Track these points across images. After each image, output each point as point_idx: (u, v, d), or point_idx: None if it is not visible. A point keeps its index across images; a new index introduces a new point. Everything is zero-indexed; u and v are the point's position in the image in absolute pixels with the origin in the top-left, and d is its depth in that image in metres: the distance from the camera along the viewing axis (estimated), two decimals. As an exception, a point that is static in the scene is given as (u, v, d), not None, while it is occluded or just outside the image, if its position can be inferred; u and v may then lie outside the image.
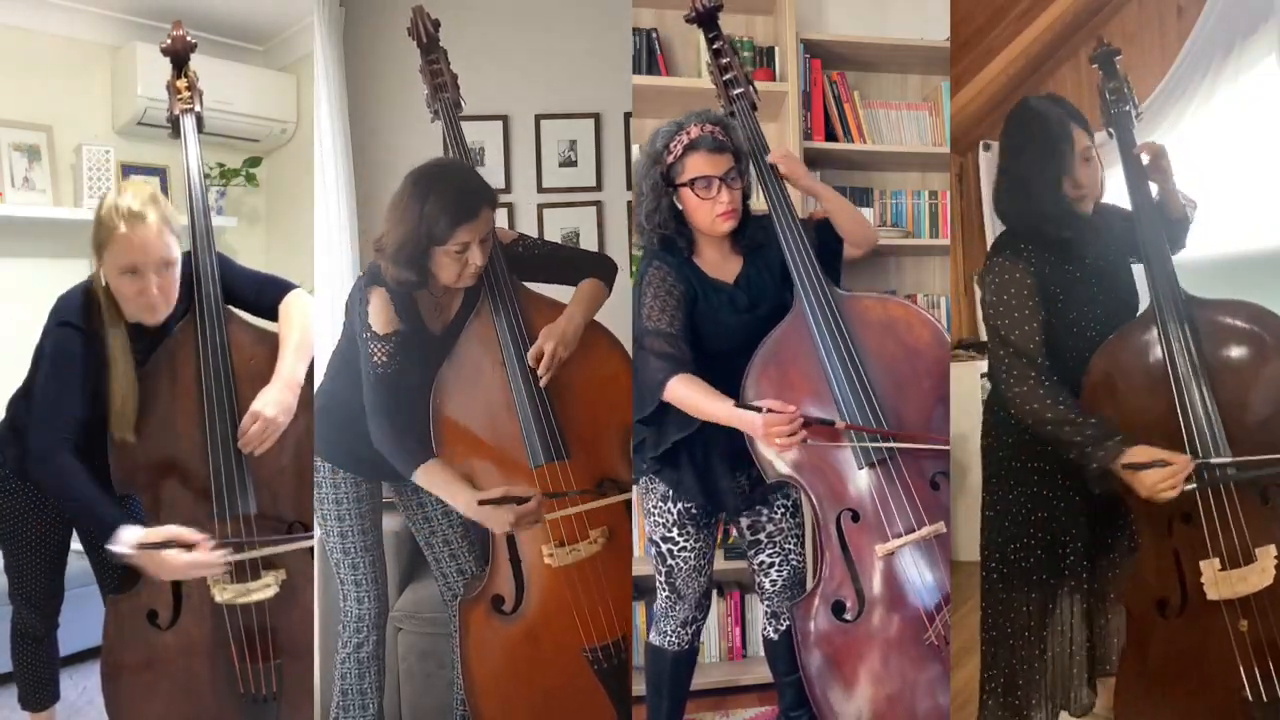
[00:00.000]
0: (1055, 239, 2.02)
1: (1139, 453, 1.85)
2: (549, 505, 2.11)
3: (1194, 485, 1.85)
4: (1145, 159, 2.06)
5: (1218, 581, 1.89)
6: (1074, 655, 2.13)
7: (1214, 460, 1.87)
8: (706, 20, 2.32)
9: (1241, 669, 1.90)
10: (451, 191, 2.04)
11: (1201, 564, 1.90)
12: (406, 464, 2.09)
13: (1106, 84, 2.14)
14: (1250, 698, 1.89)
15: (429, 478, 2.09)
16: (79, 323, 2.01)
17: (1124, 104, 2.11)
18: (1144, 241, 2.02)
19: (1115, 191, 2.11)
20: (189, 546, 1.92)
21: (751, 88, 2.28)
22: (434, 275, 2.11)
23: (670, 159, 2.09)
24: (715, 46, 2.30)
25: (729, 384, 2.04)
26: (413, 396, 2.15)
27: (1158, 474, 1.84)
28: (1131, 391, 1.96)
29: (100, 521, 1.93)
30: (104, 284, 2.02)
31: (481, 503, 2.05)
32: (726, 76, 2.28)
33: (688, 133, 2.08)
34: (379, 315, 2.09)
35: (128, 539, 1.89)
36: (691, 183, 2.08)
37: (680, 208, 2.12)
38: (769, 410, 1.91)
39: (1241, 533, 1.89)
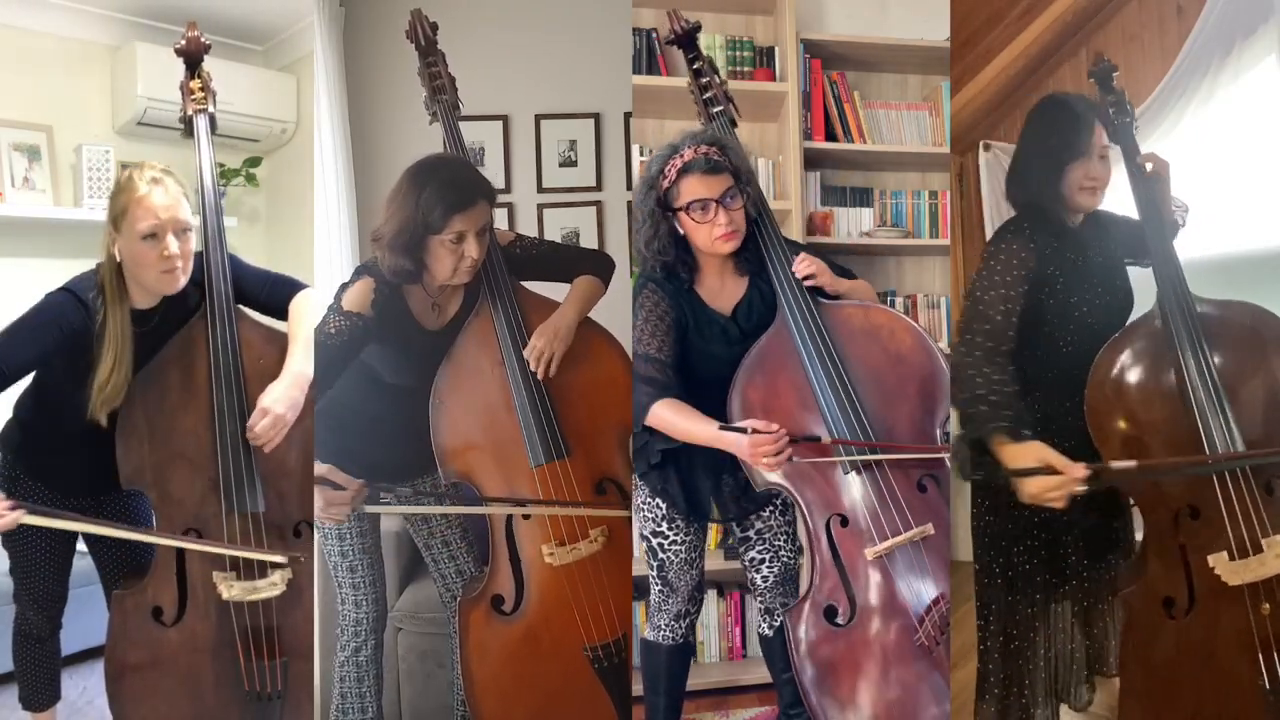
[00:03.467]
0: (1057, 220, 2.06)
1: (1030, 453, 1.78)
2: (553, 516, 2.13)
3: (1086, 489, 1.78)
4: (1149, 167, 2.09)
5: (1236, 569, 1.89)
6: (1074, 655, 2.14)
7: (1232, 452, 1.89)
8: (685, 41, 2.38)
9: (1260, 657, 1.90)
10: (448, 181, 2.05)
11: (1210, 557, 1.91)
12: None
13: (1106, 98, 2.18)
14: (1268, 685, 1.89)
15: None
16: (78, 291, 2.02)
17: (1124, 116, 2.15)
18: (1152, 245, 2.04)
19: (1114, 200, 2.15)
20: None
21: (731, 105, 2.33)
22: (429, 268, 2.11)
23: (665, 184, 2.07)
24: (695, 66, 2.36)
25: (719, 410, 2.05)
26: (395, 408, 2.18)
27: (1043, 482, 1.76)
28: (1140, 389, 1.97)
29: None
30: (116, 262, 2.03)
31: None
32: (706, 95, 2.33)
33: (681, 156, 2.05)
34: (353, 294, 2.11)
35: None
36: (687, 207, 2.06)
37: (681, 233, 2.11)
38: (754, 431, 1.90)
39: (1251, 524, 1.90)
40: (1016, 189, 2.14)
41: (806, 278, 2.11)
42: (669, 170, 2.06)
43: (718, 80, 2.34)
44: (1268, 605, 1.89)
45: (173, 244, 2.00)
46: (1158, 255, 2.03)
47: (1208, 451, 1.90)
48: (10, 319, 2.02)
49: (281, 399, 2.04)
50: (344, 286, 2.14)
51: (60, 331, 1.99)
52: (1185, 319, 1.96)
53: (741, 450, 1.93)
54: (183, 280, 2.06)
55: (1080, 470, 1.76)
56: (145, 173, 2.03)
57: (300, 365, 2.09)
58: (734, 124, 2.31)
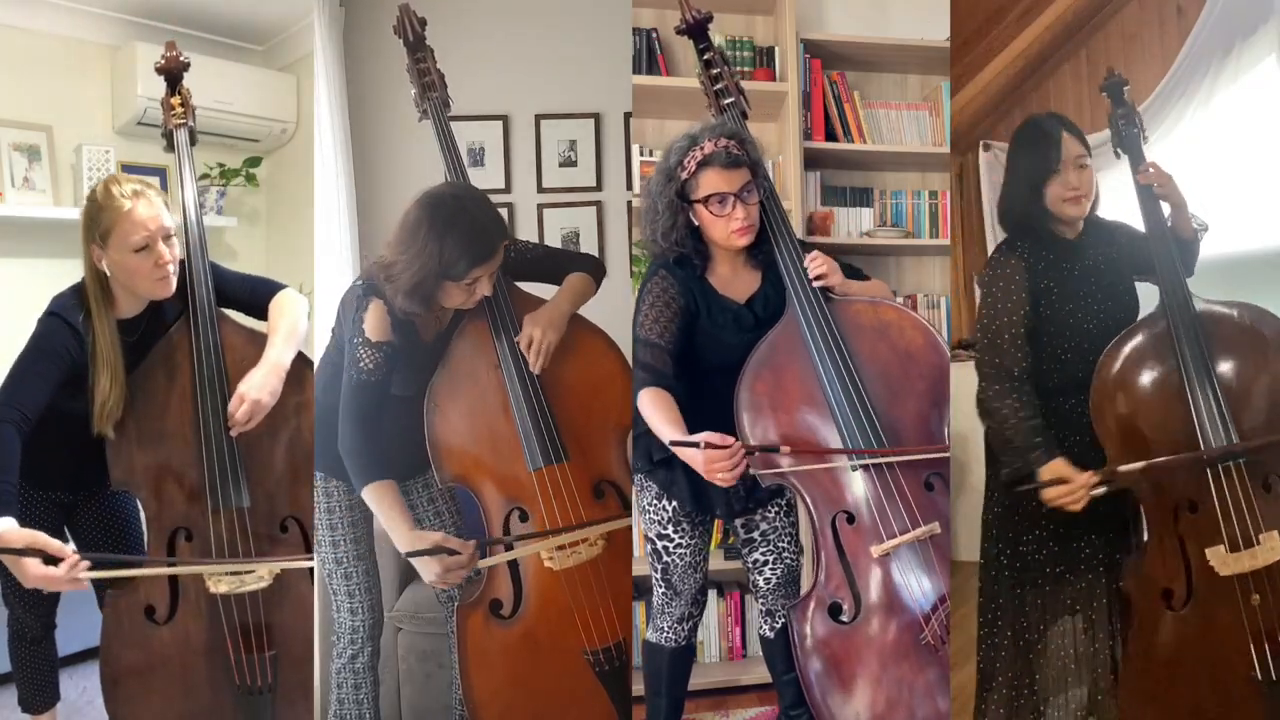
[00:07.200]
0: (1047, 234, 2.14)
1: (1046, 471, 1.98)
2: (552, 519, 2.12)
3: (1104, 490, 1.95)
4: (1150, 174, 2.15)
5: (1228, 561, 1.94)
6: (1082, 649, 2.14)
7: (1224, 446, 1.95)
8: (697, 31, 2.35)
9: (1252, 648, 1.94)
10: (471, 230, 2.01)
11: (1208, 550, 1.95)
12: (360, 476, 2.06)
13: (1116, 110, 2.25)
14: (1260, 677, 1.94)
15: (377, 497, 2.05)
16: (66, 315, 2.06)
17: (1132, 127, 2.22)
18: (1155, 252, 2.10)
19: (1127, 211, 2.20)
20: (54, 561, 1.85)
21: (742, 97, 2.30)
22: (438, 300, 2.10)
23: (684, 175, 2.05)
24: (706, 57, 2.33)
25: (730, 400, 2.04)
26: (390, 411, 2.13)
27: (1054, 490, 1.97)
28: (1140, 387, 2.03)
29: None
30: (97, 273, 2.07)
31: (410, 553, 2.03)
32: (717, 86, 2.30)
33: (701, 149, 2.03)
34: (374, 323, 2.08)
35: None
36: (706, 200, 2.05)
37: (696, 223, 2.09)
38: (708, 445, 1.86)
39: (1245, 519, 1.95)
40: (1005, 212, 2.23)
41: (817, 277, 2.10)
42: (688, 162, 2.04)
43: (729, 71, 2.31)
44: (1257, 596, 1.94)
45: (164, 252, 2.07)
46: (1162, 263, 2.09)
47: (1203, 448, 1.96)
48: (15, 354, 2.03)
49: (259, 385, 2.08)
50: (357, 313, 2.09)
51: (63, 360, 2.03)
52: (1185, 319, 2.02)
53: (696, 464, 1.90)
54: (174, 283, 2.11)
55: (1086, 478, 1.95)
56: (124, 186, 2.07)
57: (278, 355, 2.14)
58: (745, 116, 2.28)
